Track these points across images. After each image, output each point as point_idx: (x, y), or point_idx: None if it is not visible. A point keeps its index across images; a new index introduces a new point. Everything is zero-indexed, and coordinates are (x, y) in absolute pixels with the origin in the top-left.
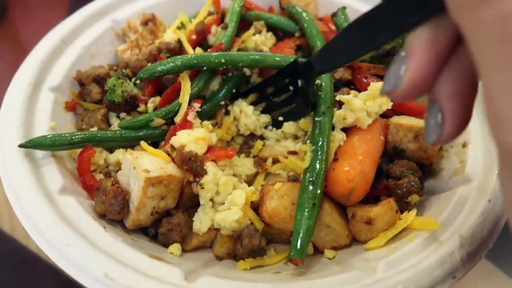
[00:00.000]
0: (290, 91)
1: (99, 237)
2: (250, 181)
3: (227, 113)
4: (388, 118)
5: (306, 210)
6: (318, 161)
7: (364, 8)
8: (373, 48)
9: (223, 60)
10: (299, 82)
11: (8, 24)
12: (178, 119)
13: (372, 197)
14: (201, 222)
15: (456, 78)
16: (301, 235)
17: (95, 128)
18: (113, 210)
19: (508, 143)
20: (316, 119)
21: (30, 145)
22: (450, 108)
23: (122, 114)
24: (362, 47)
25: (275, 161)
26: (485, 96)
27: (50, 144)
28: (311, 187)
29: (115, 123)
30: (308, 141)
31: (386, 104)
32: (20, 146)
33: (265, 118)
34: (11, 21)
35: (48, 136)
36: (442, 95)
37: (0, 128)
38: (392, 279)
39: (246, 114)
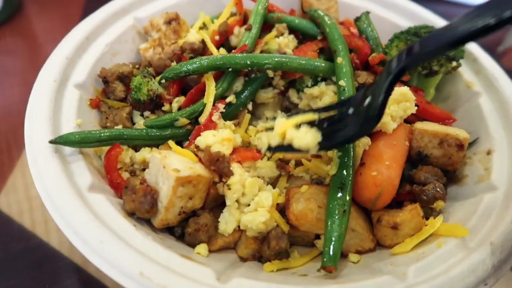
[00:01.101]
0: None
1: (130, 235)
2: (272, 183)
3: (250, 112)
4: (411, 123)
5: (337, 216)
6: (345, 167)
7: (385, 13)
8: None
9: (248, 62)
10: (380, 97)
11: (24, 20)
12: (202, 119)
13: (395, 202)
14: (227, 223)
15: None
16: (333, 242)
17: (119, 126)
18: (142, 209)
19: None
20: None
21: (60, 141)
22: None
23: (146, 113)
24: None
25: (298, 163)
26: None
27: (79, 141)
28: (340, 194)
29: (139, 121)
30: None
31: (411, 108)
32: (51, 142)
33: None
34: (27, 17)
35: (77, 133)
36: None
37: (28, 123)
38: (424, 284)
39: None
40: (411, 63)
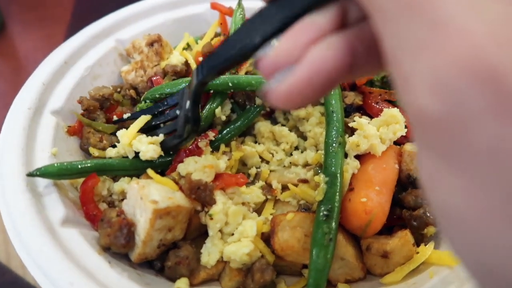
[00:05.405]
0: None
1: (104, 274)
2: (259, 209)
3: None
4: (401, 145)
5: (322, 245)
6: (332, 193)
7: None
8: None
9: (230, 84)
10: (187, 103)
11: (7, 41)
12: (189, 144)
13: (385, 228)
14: (210, 254)
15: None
16: (317, 273)
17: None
18: (118, 243)
19: (422, 104)
20: (329, 148)
21: (39, 173)
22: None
23: None
24: (248, 41)
25: (284, 187)
26: (389, 62)
27: (58, 173)
28: (326, 221)
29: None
30: (320, 171)
31: (401, 130)
32: (28, 175)
33: None
34: (10, 37)
35: (56, 165)
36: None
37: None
38: None
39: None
40: (207, 76)
